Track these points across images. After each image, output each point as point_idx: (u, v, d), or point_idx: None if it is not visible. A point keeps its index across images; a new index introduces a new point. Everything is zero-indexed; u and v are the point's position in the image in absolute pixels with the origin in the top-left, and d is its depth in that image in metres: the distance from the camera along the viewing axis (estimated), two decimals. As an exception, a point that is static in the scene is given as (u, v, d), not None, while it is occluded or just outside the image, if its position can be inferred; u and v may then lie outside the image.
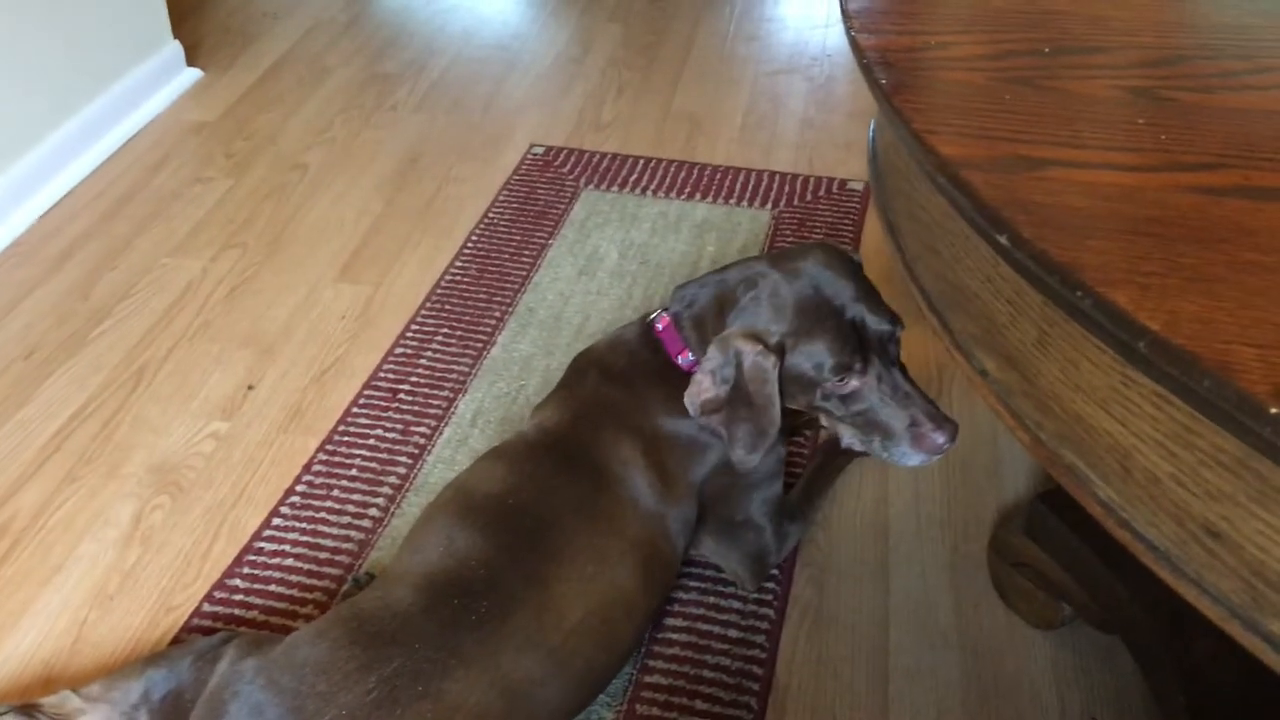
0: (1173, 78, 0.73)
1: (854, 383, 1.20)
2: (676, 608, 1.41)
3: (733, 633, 1.39)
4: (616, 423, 1.29)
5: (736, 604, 1.42)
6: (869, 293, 1.23)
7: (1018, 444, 1.61)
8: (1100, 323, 0.50)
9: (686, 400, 1.24)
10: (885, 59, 0.73)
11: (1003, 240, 0.55)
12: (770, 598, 1.42)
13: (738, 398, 1.21)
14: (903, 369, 1.23)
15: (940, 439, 1.20)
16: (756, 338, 1.19)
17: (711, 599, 1.42)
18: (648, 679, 1.33)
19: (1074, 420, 0.58)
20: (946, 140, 0.63)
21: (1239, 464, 0.49)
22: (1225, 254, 0.54)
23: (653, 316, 1.35)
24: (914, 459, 1.21)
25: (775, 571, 1.44)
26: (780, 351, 1.19)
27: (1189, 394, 0.48)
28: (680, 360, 1.30)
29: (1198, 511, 0.52)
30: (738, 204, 2.22)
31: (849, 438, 1.27)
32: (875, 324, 1.20)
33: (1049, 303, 0.57)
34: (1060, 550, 1.27)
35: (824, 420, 1.29)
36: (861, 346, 1.19)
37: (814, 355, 1.19)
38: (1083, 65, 0.75)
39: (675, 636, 1.38)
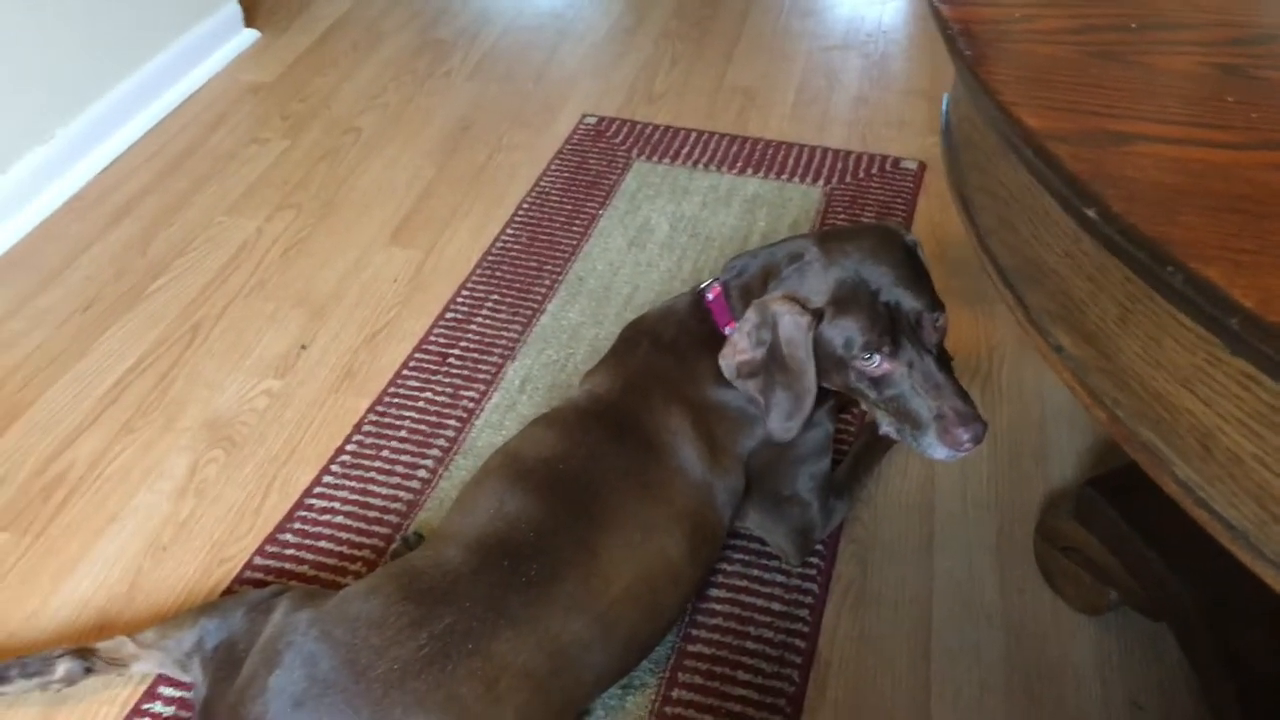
0: (1263, 57, 0.72)
1: (885, 365, 1.18)
2: (720, 579, 1.41)
3: (776, 606, 1.39)
4: (666, 392, 1.29)
5: (780, 578, 1.42)
6: (914, 278, 1.20)
7: (1066, 429, 1.61)
8: (1190, 299, 0.50)
9: (721, 362, 1.24)
10: (969, 30, 0.72)
11: (1091, 214, 0.54)
12: (814, 573, 1.42)
13: (774, 362, 1.21)
14: (942, 358, 1.21)
15: (965, 436, 1.16)
16: (794, 300, 1.19)
17: (755, 572, 1.43)
18: (691, 648, 1.34)
19: (1154, 398, 0.57)
20: (1032, 112, 0.62)
21: (1326, 445, 0.49)
22: (1319, 234, 0.53)
23: (704, 287, 1.35)
24: (940, 453, 1.18)
25: (819, 547, 1.45)
26: (817, 316, 1.19)
27: (1280, 372, 0.48)
28: (728, 331, 1.30)
29: (1280, 492, 0.52)
30: (789, 180, 2.21)
31: (885, 425, 1.25)
32: (911, 308, 1.17)
33: (1132, 279, 0.57)
34: (1109, 536, 1.26)
35: (862, 404, 1.28)
36: (893, 329, 1.17)
37: (845, 330, 1.18)
38: (1170, 41, 0.74)
39: (719, 608, 1.39)
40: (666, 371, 1.31)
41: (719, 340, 1.30)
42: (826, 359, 1.21)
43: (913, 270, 1.22)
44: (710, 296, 1.33)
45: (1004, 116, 0.63)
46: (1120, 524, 1.24)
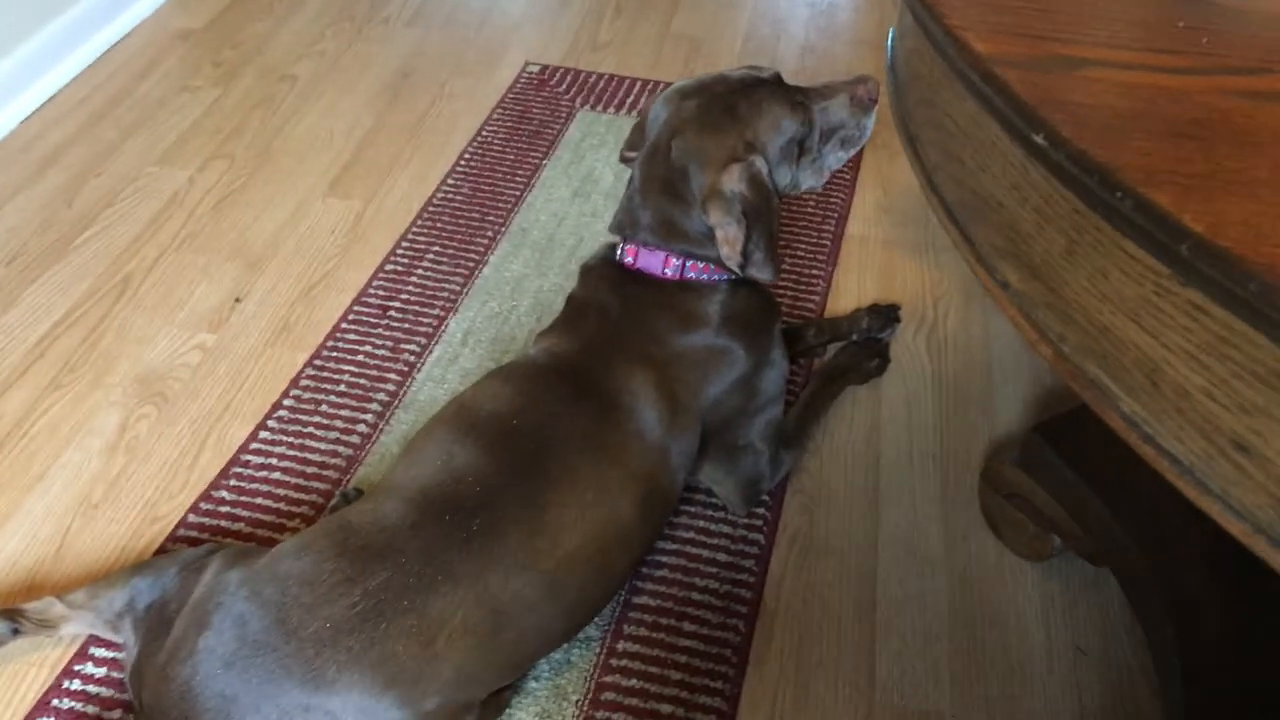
0: (1213, -18, 0.71)
1: (815, 117, 1.32)
2: (666, 531, 1.40)
3: (722, 557, 1.38)
4: (628, 353, 1.26)
5: (726, 528, 1.41)
6: (723, 75, 1.33)
7: (1011, 378, 1.61)
8: (1140, 225, 0.48)
9: (729, 260, 1.25)
10: (914, -45, 0.70)
11: (1039, 140, 0.53)
12: (760, 523, 1.42)
13: (754, 223, 1.24)
14: (813, 89, 1.36)
15: (864, 92, 1.35)
16: (728, 163, 1.23)
17: (701, 523, 1.42)
18: (636, 600, 1.33)
19: (1100, 332, 0.56)
20: (981, 37, 0.60)
21: (1275, 375, 0.48)
22: (1271, 158, 0.52)
23: (617, 256, 1.34)
24: (869, 121, 1.37)
25: (765, 498, 1.44)
26: (751, 149, 1.25)
27: (1231, 299, 0.47)
28: (668, 271, 1.29)
29: (1227, 425, 0.51)
30: (736, 129, 2.17)
31: (837, 161, 1.38)
32: (768, 74, 1.32)
33: (1080, 209, 0.55)
34: (1054, 482, 1.27)
35: (812, 175, 1.37)
36: (787, 92, 1.31)
37: (777, 133, 1.28)
38: (1119, -33, 0.72)
39: (665, 559, 1.37)
40: (625, 336, 1.28)
41: (664, 291, 1.29)
42: (783, 167, 1.31)
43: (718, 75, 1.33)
44: (630, 259, 1.32)
45: (951, 41, 0.61)
46: (1065, 470, 1.24)
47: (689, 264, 1.29)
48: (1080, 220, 0.55)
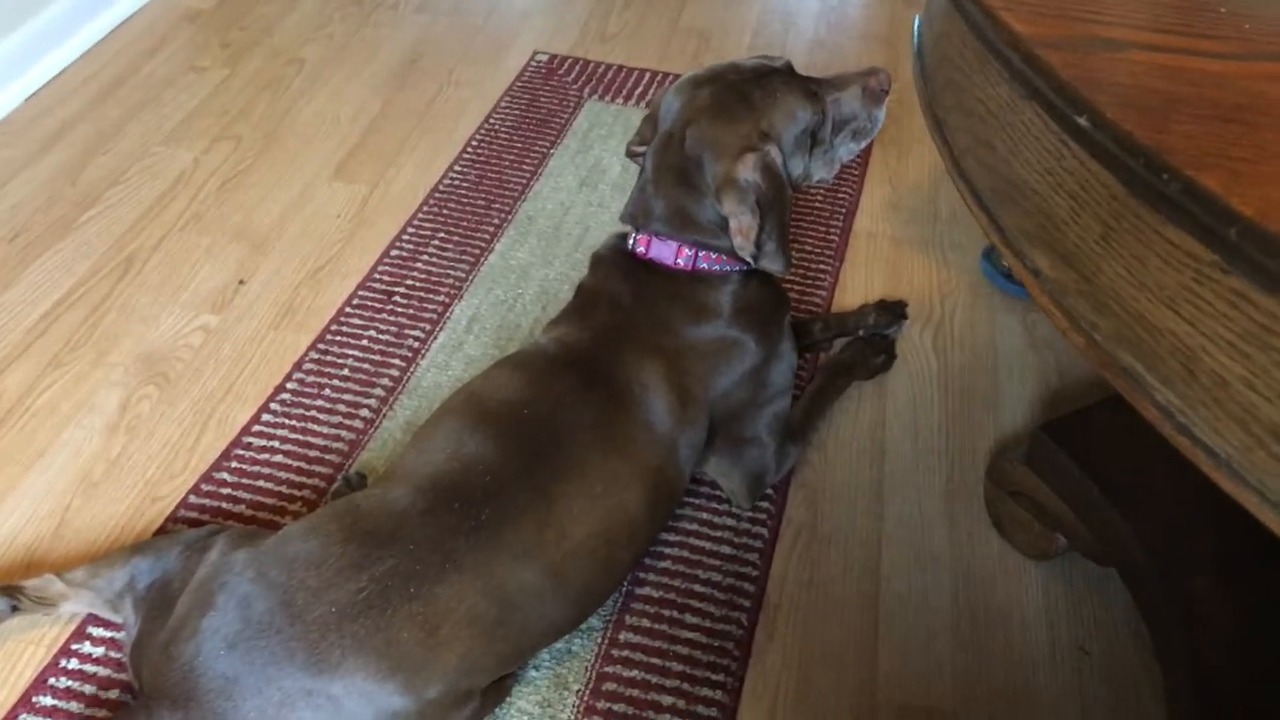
0: (1255, -31, 0.70)
1: (828, 108, 1.31)
2: (669, 522, 1.39)
3: (725, 549, 1.37)
4: (640, 344, 1.25)
5: (730, 521, 1.40)
6: (727, 64, 1.32)
7: (1017, 377, 1.61)
8: (1185, 209, 0.48)
9: (742, 250, 1.24)
10: (949, -63, 0.69)
11: (1082, 121, 0.52)
12: (764, 516, 1.41)
13: (768, 212, 1.23)
14: (824, 79, 1.35)
15: (876, 83, 1.34)
16: (742, 152, 1.22)
17: (705, 515, 1.41)
18: (639, 591, 1.32)
19: (1135, 320, 0.55)
20: (1021, 18, 0.60)
21: (1320, 365, 0.47)
22: (1318, 146, 0.51)
23: (629, 246, 1.33)
24: (880, 113, 1.36)
25: (770, 491, 1.43)
26: (765, 138, 1.24)
27: (1277, 286, 0.46)
28: (681, 261, 1.28)
29: (1267, 416, 0.50)
30: (745, 123, 2.16)
31: (848, 153, 1.38)
32: (781, 63, 1.32)
33: (1118, 195, 0.54)
34: (1060, 481, 1.26)
35: (823, 167, 1.36)
36: (801, 81, 1.30)
37: (792, 123, 1.28)
38: (1159, -49, 0.71)
39: (668, 551, 1.37)
40: (636, 326, 1.27)
41: (676, 281, 1.28)
42: (796, 157, 1.30)
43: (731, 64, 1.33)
44: (642, 249, 1.31)
45: (990, 22, 0.60)
46: (1071, 469, 1.23)
47: (701, 254, 1.28)
48: (1118, 205, 0.54)
